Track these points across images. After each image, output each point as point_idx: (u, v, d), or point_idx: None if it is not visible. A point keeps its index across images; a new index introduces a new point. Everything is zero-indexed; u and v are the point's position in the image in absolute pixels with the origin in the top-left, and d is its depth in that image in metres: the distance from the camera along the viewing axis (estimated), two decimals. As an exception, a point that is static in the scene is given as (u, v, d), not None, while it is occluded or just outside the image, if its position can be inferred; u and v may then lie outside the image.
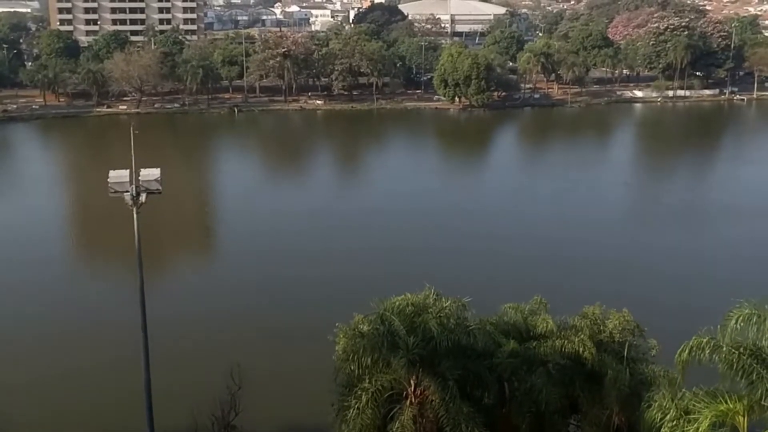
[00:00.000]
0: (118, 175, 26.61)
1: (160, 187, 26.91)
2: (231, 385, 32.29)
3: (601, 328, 32.99)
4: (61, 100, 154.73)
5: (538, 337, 31.54)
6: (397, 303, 29.33)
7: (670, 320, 48.09)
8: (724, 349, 19.61)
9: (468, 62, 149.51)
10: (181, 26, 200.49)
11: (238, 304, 60.18)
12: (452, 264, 67.86)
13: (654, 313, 45.48)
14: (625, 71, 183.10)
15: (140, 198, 26.53)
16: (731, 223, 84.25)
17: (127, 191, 26.45)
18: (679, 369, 21.35)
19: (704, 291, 61.60)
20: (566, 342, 30.99)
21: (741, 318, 19.60)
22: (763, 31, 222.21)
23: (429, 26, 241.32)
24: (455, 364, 26.28)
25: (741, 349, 19.38)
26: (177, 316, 55.82)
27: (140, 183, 26.64)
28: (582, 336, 31.39)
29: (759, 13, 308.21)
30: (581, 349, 30.75)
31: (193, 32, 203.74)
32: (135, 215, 26.75)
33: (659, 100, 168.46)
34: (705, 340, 20.16)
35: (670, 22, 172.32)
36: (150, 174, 26.74)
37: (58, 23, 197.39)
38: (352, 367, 26.41)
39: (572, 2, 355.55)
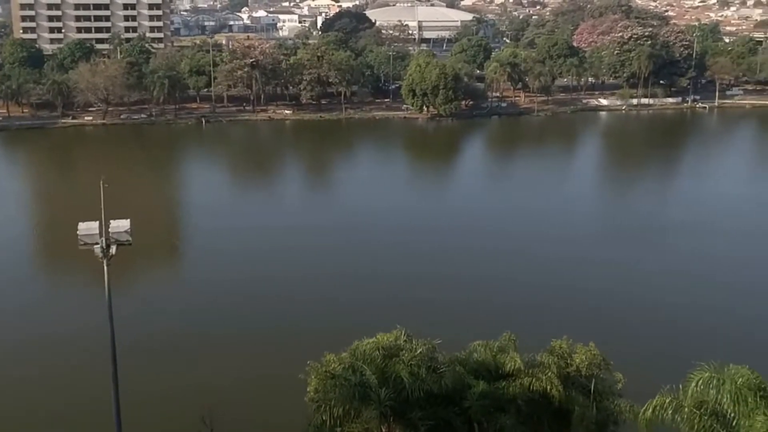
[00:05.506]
0: (88, 228, 26.51)
1: (130, 239, 26.88)
2: (203, 430, 32.25)
3: (569, 362, 33.76)
4: (24, 111, 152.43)
5: (507, 375, 32.10)
6: (368, 347, 29.69)
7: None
8: (686, 409, 20.22)
9: (436, 72, 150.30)
10: (148, 33, 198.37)
11: (204, 324, 60.34)
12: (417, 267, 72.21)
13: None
14: (590, 80, 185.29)
15: (110, 250, 26.45)
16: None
17: (97, 243, 26.39)
18: (642, 427, 21.94)
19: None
20: (534, 380, 31.64)
21: (701, 381, 20.26)
22: (724, 37, 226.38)
23: (397, 33, 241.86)
24: (426, 414, 26.63)
25: (702, 410, 20.00)
26: (142, 335, 55.44)
27: (110, 235, 26.58)
28: (549, 373, 32.01)
29: (720, 18, 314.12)
30: (549, 387, 31.40)
31: (159, 40, 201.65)
32: (105, 268, 26.67)
33: (624, 108, 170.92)
34: (668, 400, 20.77)
35: (634, 32, 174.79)
36: (120, 225, 26.68)
37: (21, 31, 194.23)
38: (324, 417, 26.66)
39: (538, 8, 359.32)
